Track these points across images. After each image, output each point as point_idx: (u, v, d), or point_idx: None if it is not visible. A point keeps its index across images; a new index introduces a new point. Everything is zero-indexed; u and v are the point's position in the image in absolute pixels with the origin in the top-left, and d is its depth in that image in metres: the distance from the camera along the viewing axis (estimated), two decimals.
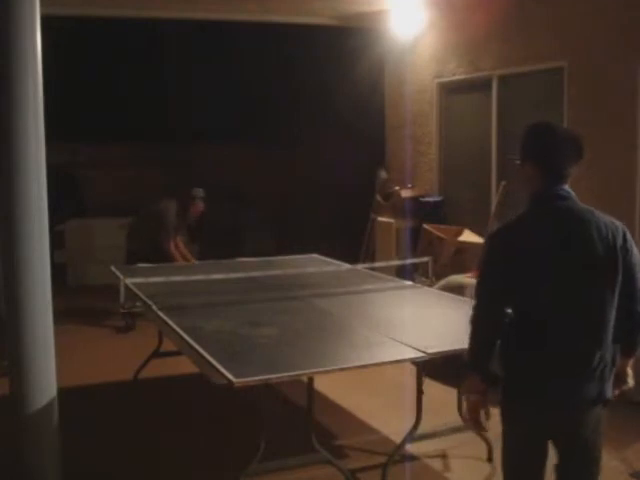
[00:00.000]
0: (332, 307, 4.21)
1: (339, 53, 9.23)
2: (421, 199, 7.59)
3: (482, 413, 2.42)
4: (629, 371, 2.50)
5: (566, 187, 2.41)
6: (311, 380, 3.62)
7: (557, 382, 2.32)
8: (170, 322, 3.76)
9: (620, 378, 2.46)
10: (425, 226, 7.03)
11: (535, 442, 2.43)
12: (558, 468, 2.46)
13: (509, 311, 2.42)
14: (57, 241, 8.40)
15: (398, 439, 3.81)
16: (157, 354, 5.26)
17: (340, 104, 9.88)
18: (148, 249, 6.55)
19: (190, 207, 6.87)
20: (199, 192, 6.89)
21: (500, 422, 2.47)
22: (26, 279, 3.11)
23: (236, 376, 2.84)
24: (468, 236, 6.74)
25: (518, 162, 2.49)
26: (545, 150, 2.41)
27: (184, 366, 4.57)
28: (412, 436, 3.72)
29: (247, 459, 3.36)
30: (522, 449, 2.45)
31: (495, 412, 2.46)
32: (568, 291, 2.31)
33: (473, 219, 7.06)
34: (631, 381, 2.50)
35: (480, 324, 2.43)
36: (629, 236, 2.40)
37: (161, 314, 3.95)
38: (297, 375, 3.21)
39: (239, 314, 4.04)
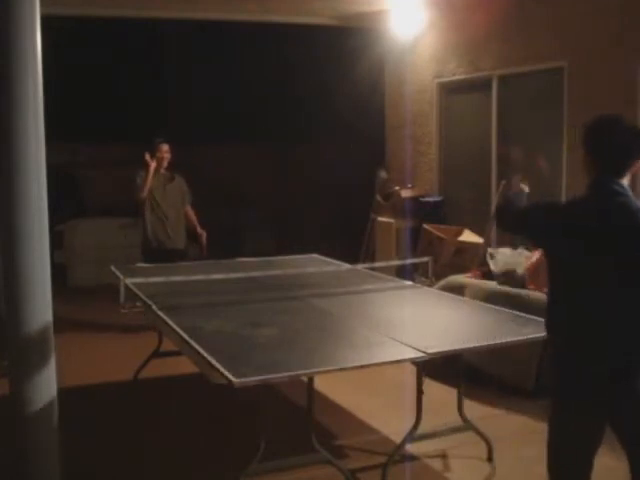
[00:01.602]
0: (332, 307, 4.21)
1: (339, 53, 9.24)
2: (421, 199, 7.59)
3: None
4: None
5: (620, 181, 2.46)
6: (311, 380, 3.62)
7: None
8: (170, 322, 3.76)
9: None
10: (425, 226, 7.03)
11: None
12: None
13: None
14: (57, 241, 8.41)
15: (398, 439, 3.81)
16: (157, 354, 5.27)
17: (340, 104, 9.89)
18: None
19: (157, 155, 6.80)
20: (158, 139, 6.90)
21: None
22: (26, 279, 3.11)
23: (236, 376, 2.84)
24: (468, 236, 6.74)
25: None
26: (601, 144, 2.52)
27: (184, 366, 4.57)
28: (412, 436, 3.73)
29: (247, 459, 3.37)
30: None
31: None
32: (593, 267, 2.43)
33: (473, 219, 7.07)
34: None
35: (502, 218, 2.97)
36: None
37: (161, 314, 3.95)
38: (297, 375, 3.21)
39: (239, 314, 4.03)
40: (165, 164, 6.86)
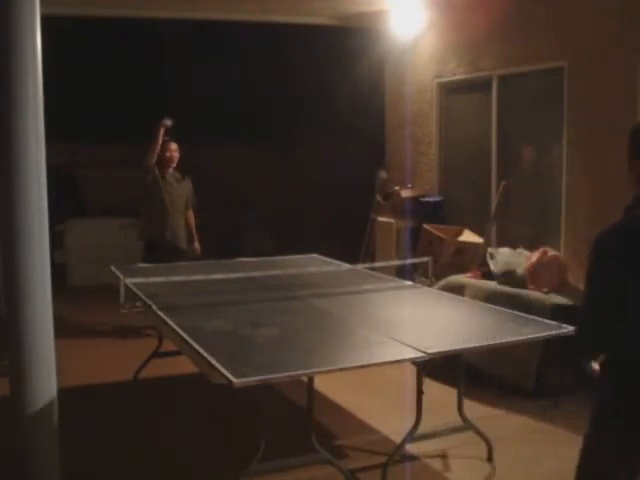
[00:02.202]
0: (332, 307, 4.21)
1: (339, 53, 9.23)
2: (421, 199, 7.59)
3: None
4: None
5: None
6: (311, 380, 3.62)
7: None
8: (170, 322, 3.76)
9: None
10: (425, 226, 7.03)
11: None
12: None
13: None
14: (57, 241, 8.41)
15: (398, 439, 3.81)
16: (157, 354, 5.27)
17: (340, 104, 9.88)
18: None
19: (164, 152, 6.64)
20: (166, 137, 6.69)
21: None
22: (26, 279, 3.11)
23: (236, 376, 2.84)
24: (468, 236, 6.74)
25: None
26: None
27: (184, 366, 4.57)
28: (412, 436, 3.73)
29: (247, 459, 3.37)
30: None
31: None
32: None
33: (473, 219, 7.07)
34: None
35: (589, 345, 2.34)
36: None
37: (161, 314, 3.95)
38: (297, 375, 3.21)
39: (239, 314, 4.04)
40: (174, 163, 6.76)
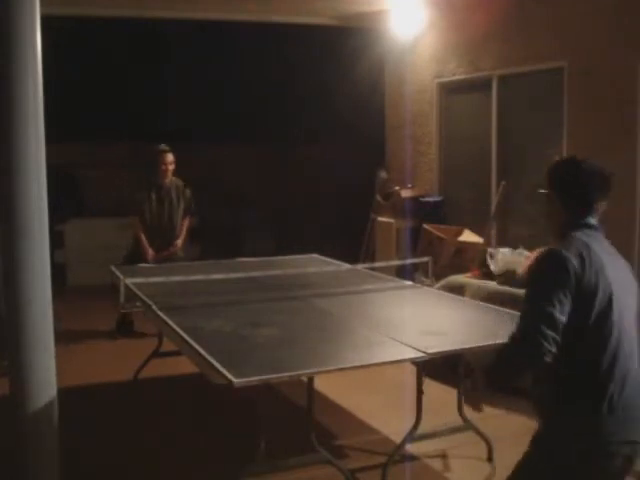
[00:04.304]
0: (332, 307, 4.21)
1: (339, 53, 9.24)
2: (421, 199, 7.59)
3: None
4: None
5: (594, 220, 2.39)
6: (311, 380, 3.62)
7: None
8: (170, 322, 3.76)
9: None
10: (425, 226, 7.03)
11: None
12: None
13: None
14: (57, 241, 8.41)
15: (398, 439, 3.81)
16: (157, 354, 5.27)
17: (340, 104, 9.89)
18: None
19: (158, 166, 6.25)
20: (161, 146, 6.31)
21: None
22: (26, 279, 3.11)
23: (236, 376, 2.84)
24: (468, 236, 6.74)
25: (544, 192, 2.54)
26: (573, 183, 2.46)
27: (184, 366, 4.57)
28: (412, 436, 3.73)
29: (247, 459, 3.37)
30: None
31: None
32: (625, 323, 2.28)
33: (473, 219, 7.07)
34: None
35: (522, 355, 2.25)
36: None
37: (161, 314, 3.95)
38: (297, 375, 3.21)
39: (239, 314, 4.03)
40: (169, 176, 6.33)
